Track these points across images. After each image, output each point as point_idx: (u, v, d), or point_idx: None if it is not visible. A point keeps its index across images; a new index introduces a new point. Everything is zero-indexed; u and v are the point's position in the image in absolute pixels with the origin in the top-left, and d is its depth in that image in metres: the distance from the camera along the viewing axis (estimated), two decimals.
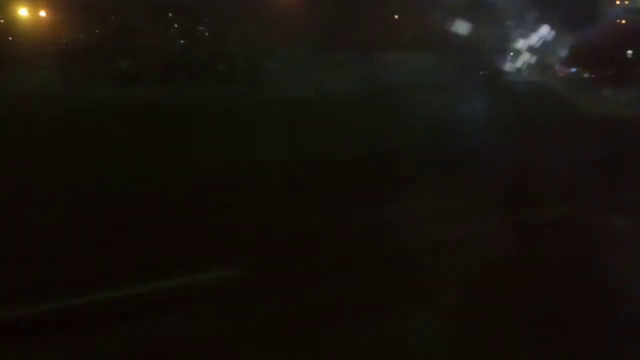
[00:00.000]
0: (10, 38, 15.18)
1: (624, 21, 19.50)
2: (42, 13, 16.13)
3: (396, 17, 18.37)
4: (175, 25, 16.49)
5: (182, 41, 16.17)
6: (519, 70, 22.13)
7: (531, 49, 21.05)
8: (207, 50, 15.74)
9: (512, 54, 22.53)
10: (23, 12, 15.97)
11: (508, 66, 22.58)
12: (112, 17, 15.58)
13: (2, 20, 15.97)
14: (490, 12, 18.52)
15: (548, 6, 19.27)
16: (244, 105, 11.25)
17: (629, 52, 19.31)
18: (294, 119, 9.26)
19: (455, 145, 8.73)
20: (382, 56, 16.63)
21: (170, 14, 16.21)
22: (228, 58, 15.72)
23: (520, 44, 20.96)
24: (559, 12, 18.65)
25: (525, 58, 21.82)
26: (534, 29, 20.10)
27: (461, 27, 17.75)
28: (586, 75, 20.32)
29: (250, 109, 10.67)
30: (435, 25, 17.94)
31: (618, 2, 21.06)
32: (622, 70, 18.32)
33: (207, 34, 16.81)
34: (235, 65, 15.68)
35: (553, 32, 19.89)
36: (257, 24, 16.16)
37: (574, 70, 20.90)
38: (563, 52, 19.40)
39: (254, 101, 12.40)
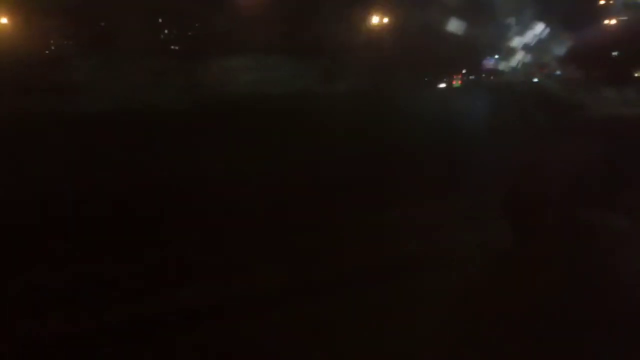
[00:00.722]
0: None
1: (624, 18, 19.33)
2: None
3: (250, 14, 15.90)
4: None
5: None
6: (514, 69, 21.85)
7: (526, 48, 20.80)
8: None
9: (497, 55, 22.31)
10: None
11: (503, 65, 22.33)
12: None
13: None
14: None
15: (543, 3, 19.02)
16: None
17: (624, 50, 19.13)
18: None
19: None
20: (224, 60, 14.75)
21: None
22: None
23: (516, 42, 20.71)
24: (555, 9, 18.46)
25: (520, 57, 21.57)
26: (530, 26, 19.86)
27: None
28: (577, 75, 20.03)
29: None
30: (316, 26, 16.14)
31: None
32: (621, 69, 18.18)
33: None
34: None
35: (548, 30, 19.65)
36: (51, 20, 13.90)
37: (558, 72, 20.70)
38: (560, 51, 19.21)
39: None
